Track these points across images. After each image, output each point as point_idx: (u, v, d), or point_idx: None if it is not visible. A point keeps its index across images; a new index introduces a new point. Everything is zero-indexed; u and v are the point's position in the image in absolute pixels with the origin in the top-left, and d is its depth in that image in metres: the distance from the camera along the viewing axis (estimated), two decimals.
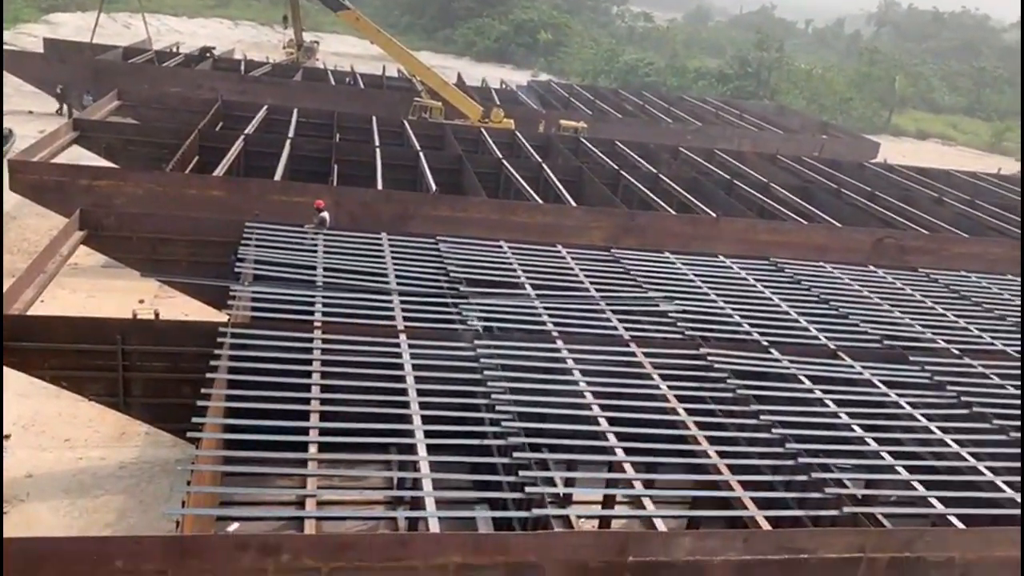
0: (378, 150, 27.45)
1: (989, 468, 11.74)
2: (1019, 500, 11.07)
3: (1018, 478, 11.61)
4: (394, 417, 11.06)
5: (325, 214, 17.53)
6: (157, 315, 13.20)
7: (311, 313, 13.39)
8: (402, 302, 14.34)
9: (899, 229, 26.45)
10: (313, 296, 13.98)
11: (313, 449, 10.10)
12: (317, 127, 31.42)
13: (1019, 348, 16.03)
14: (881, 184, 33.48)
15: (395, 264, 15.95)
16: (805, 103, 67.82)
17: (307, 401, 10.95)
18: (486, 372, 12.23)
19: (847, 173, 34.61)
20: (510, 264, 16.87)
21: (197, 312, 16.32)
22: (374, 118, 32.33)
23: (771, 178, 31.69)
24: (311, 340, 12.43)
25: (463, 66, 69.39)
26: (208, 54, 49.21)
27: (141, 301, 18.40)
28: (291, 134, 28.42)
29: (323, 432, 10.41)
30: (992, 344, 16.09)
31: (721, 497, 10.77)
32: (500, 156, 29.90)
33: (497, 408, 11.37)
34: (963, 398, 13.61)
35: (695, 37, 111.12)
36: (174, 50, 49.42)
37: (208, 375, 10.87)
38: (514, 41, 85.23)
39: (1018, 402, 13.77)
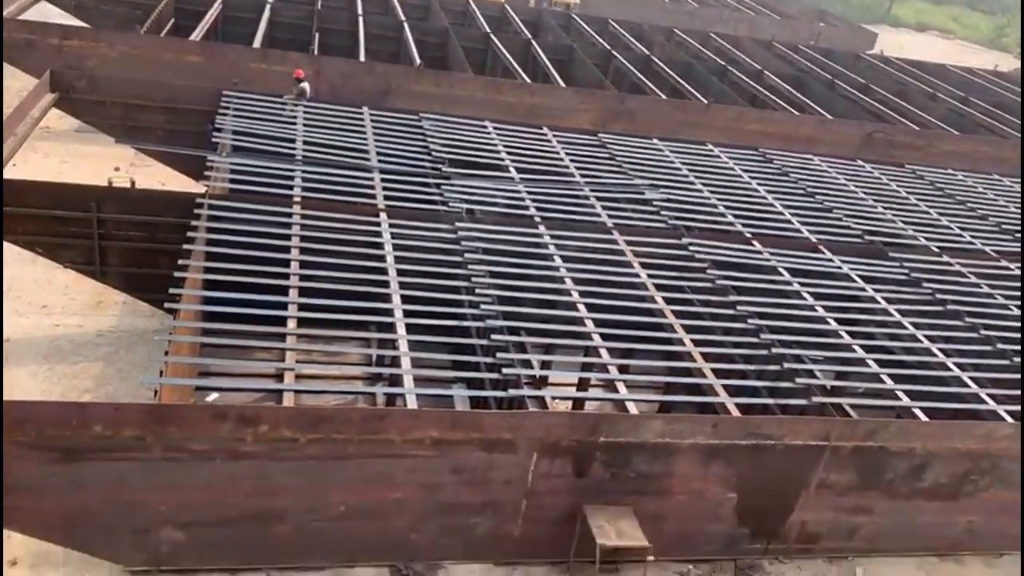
0: (361, 19, 26.39)
1: (957, 364, 12.00)
2: (982, 395, 11.38)
3: (985, 374, 11.89)
4: (374, 295, 11.04)
5: (305, 84, 16.97)
6: (133, 184, 12.91)
7: (290, 187, 13.16)
8: (383, 180, 14.09)
9: (890, 124, 26.11)
10: (292, 170, 13.70)
11: (292, 324, 10.10)
12: None
13: (997, 248, 16.13)
14: (875, 77, 32.83)
15: (376, 140, 15.58)
16: None
17: (286, 276, 10.88)
18: (467, 255, 12.17)
19: (842, 64, 33.85)
20: (494, 145, 16.54)
21: (174, 182, 15.99)
22: None
23: (765, 65, 30.96)
24: (290, 215, 12.25)
25: None
26: None
27: (116, 168, 17.97)
28: None
29: (302, 307, 10.39)
30: (971, 244, 16.18)
31: (693, 383, 10.98)
32: (488, 30, 28.87)
33: (477, 291, 11.38)
34: (938, 295, 13.78)
35: None
36: None
37: (186, 246, 10.74)
38: None
39: (991, 300, 13.97)
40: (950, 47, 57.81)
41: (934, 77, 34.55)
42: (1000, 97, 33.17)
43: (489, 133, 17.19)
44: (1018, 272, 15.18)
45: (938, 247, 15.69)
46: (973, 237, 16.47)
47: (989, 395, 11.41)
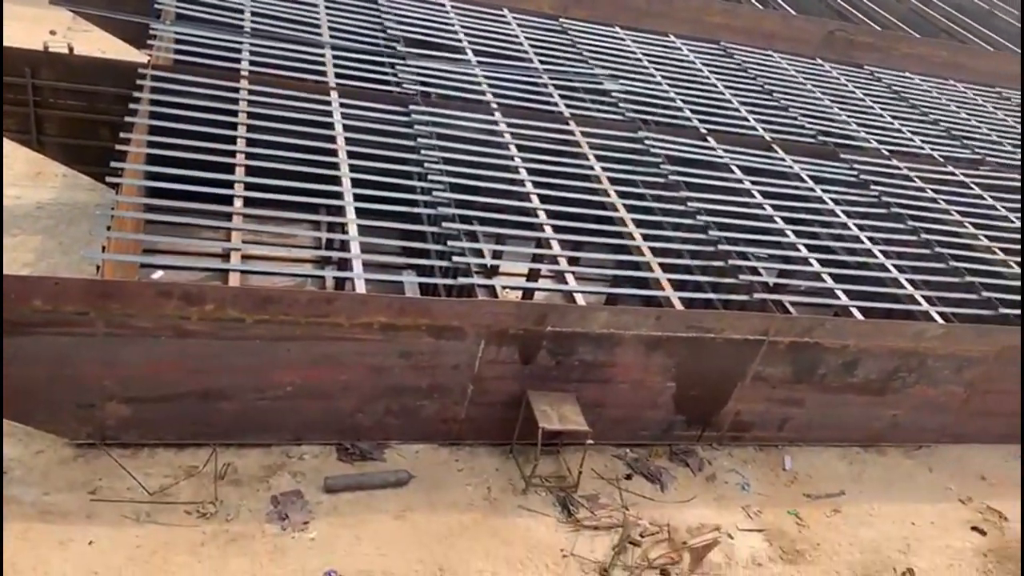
0: None
1: (896, 266, 12.35)
2: (917, 296, 11.77)
3: (921, 276, 12.28)
4: (323, 177, 10.84)
5: None
6: (71, 49, 12.27)
7: (238, 61, 12.65)
8: (335, 57, 13.62)
9: (852, 23, 25.87)
10: (240, 42, 13.15)
11: (239, 203, 9.90)
12: None
13: (944, 154, 16.37)
14: None
15: (329, 14, 14.97)
16: None
17: (232, 154, 10.60)
18: (420, 139, 11.96)
19: None
20: (452, 26, 16.03)
21: (114, 49, 15.22)
22: None
23: None
24: (237, 91, 11.82)
25: None
26: None
27: (52, 32, 17.04)
28: None
29: (249, 187, 10.18)
30: (920, 148, 16.40)
31: (640, 277, 11.15)
32: None
33: (429, 177, 11.24)
34: (884, 198, 14.04)
35: None
36: None
37: (127, 119, 10.34)
38: None
39: (934, 205, 14.29)
40: None
41: None
42: (960, 2, 32.93)
43: (447, 12, 16.62)
44: (961, 177, 15.48)
45: (888, 150, 15.88)
46: (923, 141, 16.68)
47: (923, 296, 11.81)
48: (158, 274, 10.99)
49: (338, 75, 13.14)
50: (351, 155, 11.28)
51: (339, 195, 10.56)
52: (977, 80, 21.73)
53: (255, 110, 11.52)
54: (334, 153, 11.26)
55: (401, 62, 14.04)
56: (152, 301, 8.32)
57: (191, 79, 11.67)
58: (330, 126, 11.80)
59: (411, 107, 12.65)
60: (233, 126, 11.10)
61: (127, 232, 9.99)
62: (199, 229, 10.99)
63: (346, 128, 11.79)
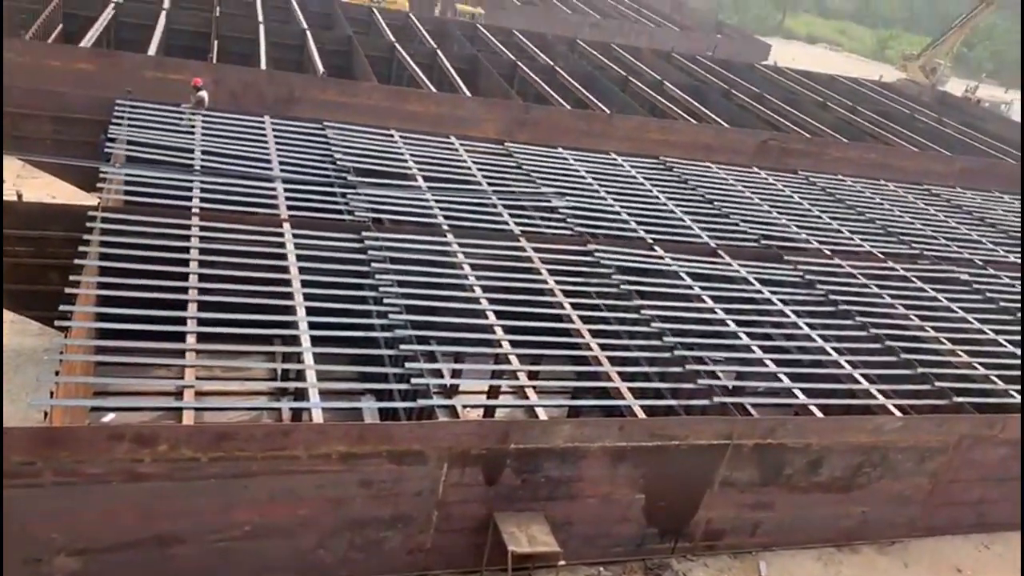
0: (262, 26, 25.88)
1: (849, 362, 12.55)
2: (872, 391, 11.93)
3: (875, 371, 12.48)
4: (277, 308, 10.82)
5: (203, 93, 16.53)
6: (20, 196, 12.30)
7: (188, 199, 12.79)
8: (286, 190, 13.84)
9: (783, 132, 27.18)
10: (191, 181, 13.32)
11: (192, 339, 9.80)
12: None
13: (883, 250, 16.96)
14: (769, 87, 34.12)
15: (279, 149, 15.31)
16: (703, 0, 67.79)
17: (184, 290, 10.56)
18: (374, 264, 12.08)
19: (738, 74, 35.06)
20: (401, 154, 16.48)
21: (64, 194, 15.33)
22: None
23: (665, 76, 31.80)
24: (188, 227, 11.90)
25: None
26: None
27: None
28: (167, 4, 26.39)
29: (202, 322, 10.10)
30: (860, 245, 16.97)
31: (600, 387, 11.16)
32: (393, 40, 28.75)
33: (385, 301, 11.29)
34: (831, 296, 14.39)
35: None
36: None
37: (77, 261, 10.30)
38: None
39: (880, 300, 14.67)
40: (838, 59, 60.59)
41: (824, 87, 36.14)
42: (885, 107, 34.93)
43: (395, 142, 17.11)
44: (902, 272, 16.00)
45: (830, 250, 16.40)
46: (862, 239, 17.28)
47: (879, 390, 11.97)
48: (109, 417, 10.71)
49: (290, 207, 13.33)
50: (305, 284, 11.31)
51: (293, 324, 10.52)
52: (906, 179, 22.79)
53: (207, 245, 11.57)
54: (287, 283, 11.29)
55: (352, 191, 14.32)
56: (103, 445, 8.07)
57: (141, 219, 11.73)
58: (283, 256, 11.87)
59: (364, 234, 12.82)
60: (185, 263, 11.11)
61: (76, 376, 9.77)
62: (152, 368, 10.80)
63: (299, 258, 11.87)
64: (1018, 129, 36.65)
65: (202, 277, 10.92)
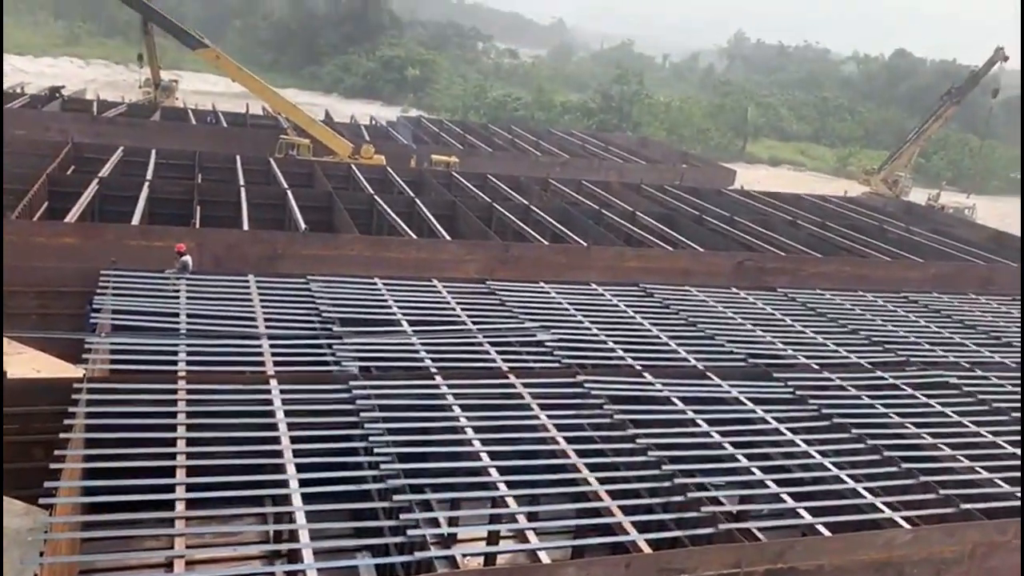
0: (243, 189, 26.70)
1: (850, 476, 12.37)
2: (878, 504, 11.69)
3: (877, 483, 12.28)
4: (267, 467, 10.64)
5: (187, 258, 16.84)
6: (4, 374, 12.26)
7: (175, 363, 12.78)
8: (272, 346, 13.89)
9: (758, 252, 27.81)
10: (176, 345, 13.36)
11: (181, 507, 9.56)
12: (178, 168, 30.27)
13: (871, 360, 17.04)
14: (739, 209, 35.16)
15: (263, 306, 15.46)
16: (666, 134, 70.72)
17: (173, 456, 10.39)
18: (363, 414, 11.98)
19: (707, 200, 36.19)
20: (385, 301, 16.67)
21: (50, 368, 15.28)
22: (238, 157, 31.45)
23: (636, 207, 32.76)
24: (175, 391, 11.84)
25: (331, 103, 68.75)
26: (57, 94, 46.76)
27: None
28: (149, 176, 27.26)
29: (191, 488, 9.89)
30: (847, 357, 17.06)
31: (603, 523, 10.88)
32: (372, 192, 29.66)
33: (375, 451, 11.14)
34: (823, 410, 14.33)
35: (560, 72, 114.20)
36: (19, 91, 46.70)
37: (63, 435, 10.16)
38: (382, 77, 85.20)
39: (873, 410, 14.61)
40: (802, 177, 62.79)
41: (792, 205, 37.29)
42: (854, 220, 35.96)
43: (379, 289, 17.34)
44: (891, 380, 16.02)
45: (818, 364, 16.46)
46: (848, 351, 17.38)
47: (884, 503, 11.75)
48: None
49: (276, 363, 13.34)
50: (294, 440, 11.18)
51: (284, 483, 10.31)
52: (883, 288, 23.19)
53: (194, 408, 11.49)
54: (276, 440, 11.14)
55: (338, 341, 14.38)
56: None
57: (128, 387, 11.68)
58: (271, 414, 11.77)
59: (351, 384, 12.79)
60: (172, 427, 10.99)
61: (62, 555, 9.43)
62: (141, 540, 10.47)
63: (287, 414, 11.77)
64: (984, 231, 37.72)
65: (190, 441, 10.77)
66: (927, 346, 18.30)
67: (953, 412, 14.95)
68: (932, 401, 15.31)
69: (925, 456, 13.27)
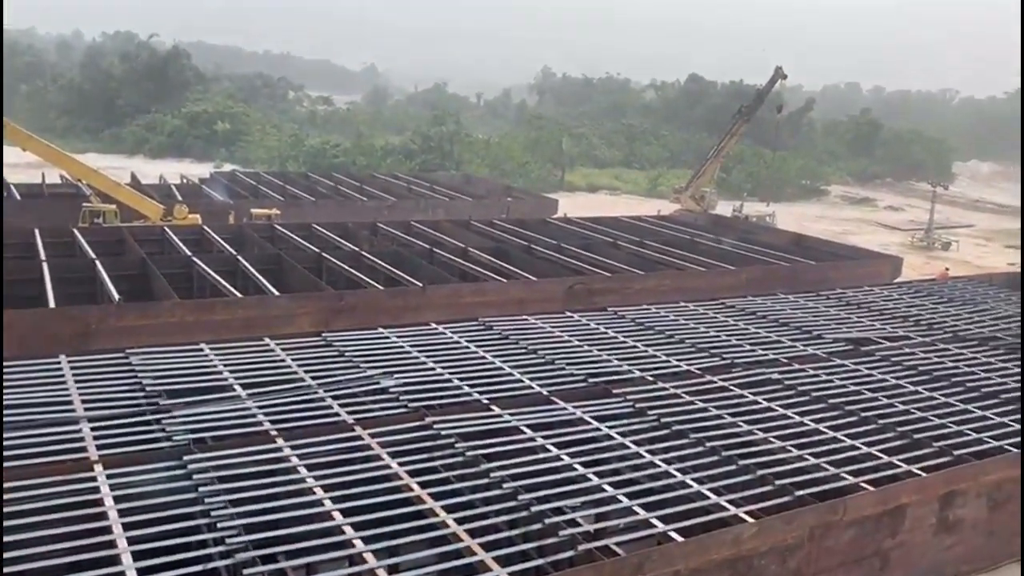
0: (45, 264, 24.75)
1: (695, 479, 12.93)
2: (723, 503, 12.27)
3: (719, 483, 12.90)
4: (101, 561, 9.79)
5: None
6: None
7: None
8: (93, 428, 12.89)
9: (586, 275, 28.80)
10: None
11: None
12: None
13: (700, 367, 17.97)
14: (565, 236, 36.30)
15: (80, 387, 14.34)
16: (488, 170, 72.09)
17: None
18: (201, 488, 11.31)
19: (534, 230, 37.14)
20: (214, 367, 15.89)
21: None
22: (37, 231, 29.15)
23: (468, 243, 33.12)
24: None
25: (137, 165, 65.33)
26: None
27: None
28: None
29: None
30: (678, 366, 17.90)
31: (465, 564, 10.76)
32: (189, 253, 28.31)
33: (219, 525, 10.52)
34: (663, 419, 14.94)
35: (377, 117, 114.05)
36: None
37: None
38: (190, 134, 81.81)
39: (707, 414, 15.38)
40: (619, 201, 65.80)
41: (612, 228, 38.91)
42: (668, 236, 37.97)
43: (206, 355, 16.51)
44: (720, 383, 16.94)
45: (652, 376, 17.16)
46: (678, 360, 18.25)
47: (728, 501, 12.35)
48: None
49: (100, 446, 12.37)
50: (128, 527, 10.37)
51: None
52: (701, 297, 24.59)
53: (10, 509, 10.40)
54: (107, 531, 10.29)
55: (166, 415, 13.53)
56: None
57: None
58: (99, 502, 10.88)
59: (186, 458, 12.05)
60: None
61: None
62: None
63: (117, 500, 10.92)
64: (785, 235, 40.91)
65: (8, 546, 9.74)
66: (748, 347, 19.52)
67: (778, 406, 15.99)
68: (759, 398, 16.32)
69: (759, 451, 14.09)
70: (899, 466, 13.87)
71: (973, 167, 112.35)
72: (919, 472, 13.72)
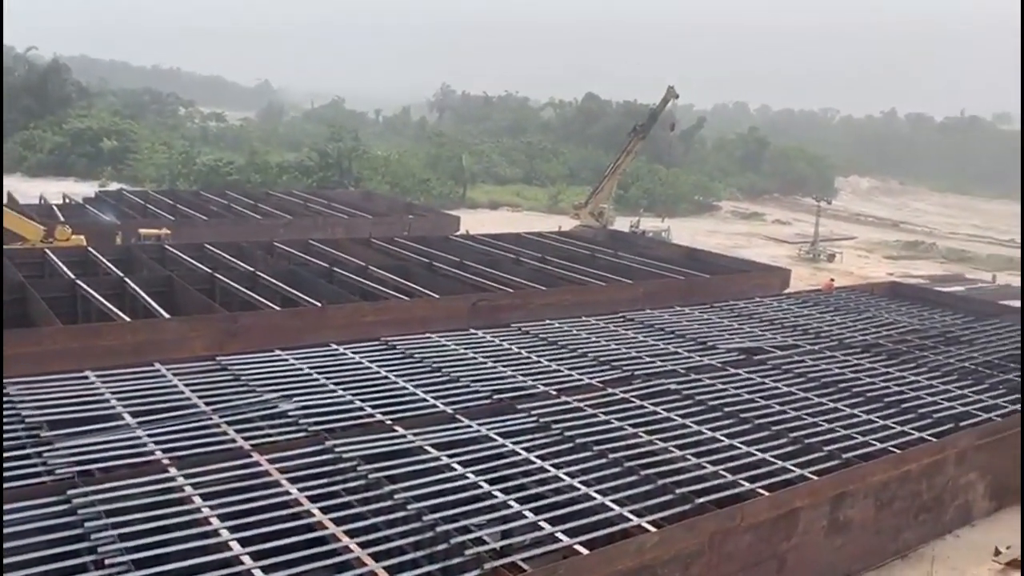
0: None
1: (598, 491, 13.06)
2: (626, 513, 12.43)
3: (622, 494, 13.06)
4: None
5: None
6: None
7: None
8: None
9: (489, 291, 28.84)
10: None
11: None
12: None
13: (601, 379, 18.22)
14: (467, 253, 36.32)
15: None
16: (388, 187, 71.45)
17: None
18: (87, 524, 10.71)
19: (436, 247, 37.02)
20: (101, 395, 15.14)
21: None
22: None
23: (368, 261, 32.70)
24: None
25: (14, 183, 61.80)
26: None
27: None
28: None
29: None
30: (580, 380, 18.10)
31: None
32: (72, 276, 26.93)
33: (107, 562, 9.98)
34: (566, 433, 15.06)
35: (272, 133, 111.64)
36: None
37: None
38: (73, 152, 78.04)
39: (609, 425, 15.59)
40: (520, 218, 66.30)
41: (514, 244, 39.20)
42: (569, 252, 38.48)
43: (92, 383, 15.71)
44: (621, 395, 17.22)
45: (555, 390, 17.30)
46: (580, 374, 18.46)
47: (631, 511, 12.51)
48: None
49: None
50: (8, 569, 9.70)
51: None
52: (601, 311, 24.98)
53: None
54: None
55: (47, 448, 12.77)
56: None
57: None
58: None
59: (69, 492, 11.39)
60: None
61: None
62: None
63: None
64: (680, 249, 42.08)
65: None
66: (647, 359, 19.92)
67: (677, 416, 16.36)
68: (658, 408, 16.66)
69: (660, 460, 14.36)
70: (792, 471, 14.38)
71: (854, 182, 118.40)
72: (811, 476, 14.25)
